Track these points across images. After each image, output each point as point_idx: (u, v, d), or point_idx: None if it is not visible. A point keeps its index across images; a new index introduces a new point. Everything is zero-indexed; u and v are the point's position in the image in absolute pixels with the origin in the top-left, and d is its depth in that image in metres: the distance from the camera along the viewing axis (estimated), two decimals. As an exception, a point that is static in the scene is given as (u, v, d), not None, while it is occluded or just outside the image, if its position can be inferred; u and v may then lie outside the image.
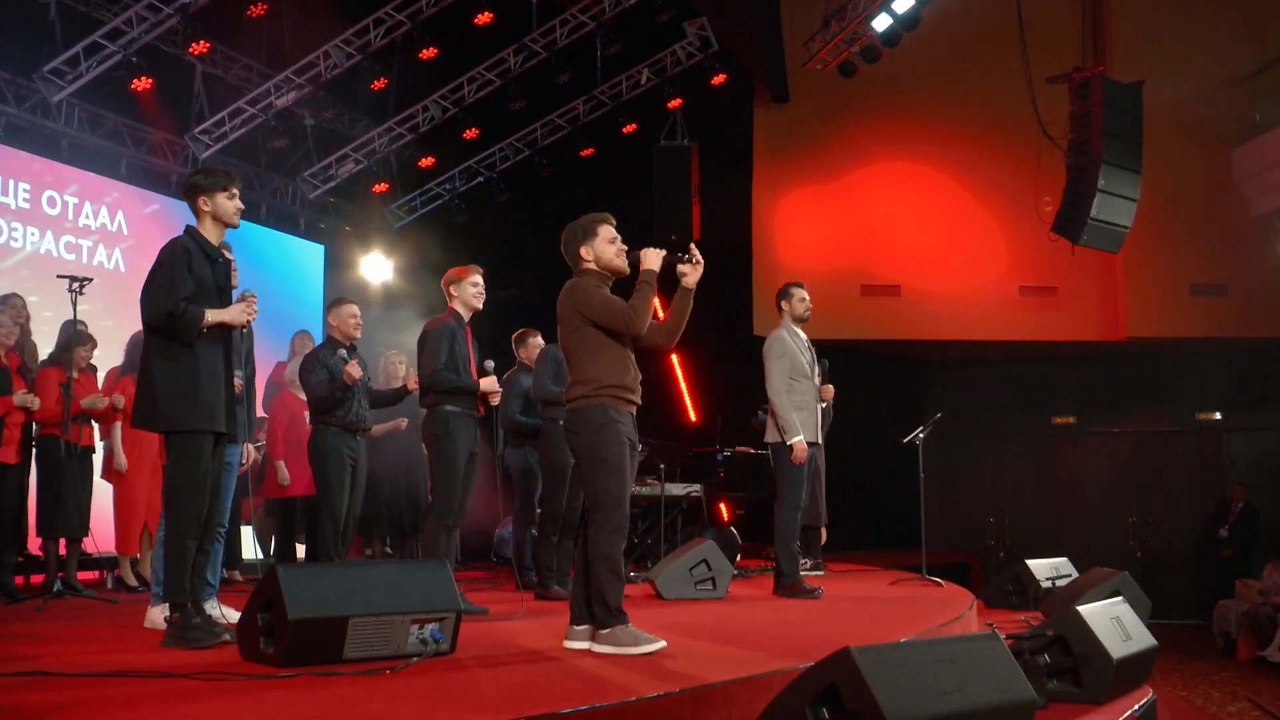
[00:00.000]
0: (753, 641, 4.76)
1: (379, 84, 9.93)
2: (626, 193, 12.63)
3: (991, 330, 13.65)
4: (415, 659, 4.13)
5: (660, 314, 4.82)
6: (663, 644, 4.38)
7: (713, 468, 10.44)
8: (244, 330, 4.97)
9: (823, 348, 13.05)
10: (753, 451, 10.24)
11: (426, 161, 11.63)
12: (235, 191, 4.90)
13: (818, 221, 13.78)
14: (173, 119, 10.27)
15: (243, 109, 10.14)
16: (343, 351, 6.60)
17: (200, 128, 10.16)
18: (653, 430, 12.48)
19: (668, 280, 4.77)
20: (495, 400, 6.26)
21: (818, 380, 7.34)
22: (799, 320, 7.32)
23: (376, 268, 12.61)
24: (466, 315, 6.25)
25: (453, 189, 12.85)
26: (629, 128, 12.40)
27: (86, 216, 9.86)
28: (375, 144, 11.55)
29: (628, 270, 4.61)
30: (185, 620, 4.63)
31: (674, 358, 13.54)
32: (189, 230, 4.86)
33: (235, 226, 4.91)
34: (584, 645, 4.53)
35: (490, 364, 6.25)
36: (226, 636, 4.52)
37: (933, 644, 3.25)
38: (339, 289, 11.84)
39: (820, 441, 7.39)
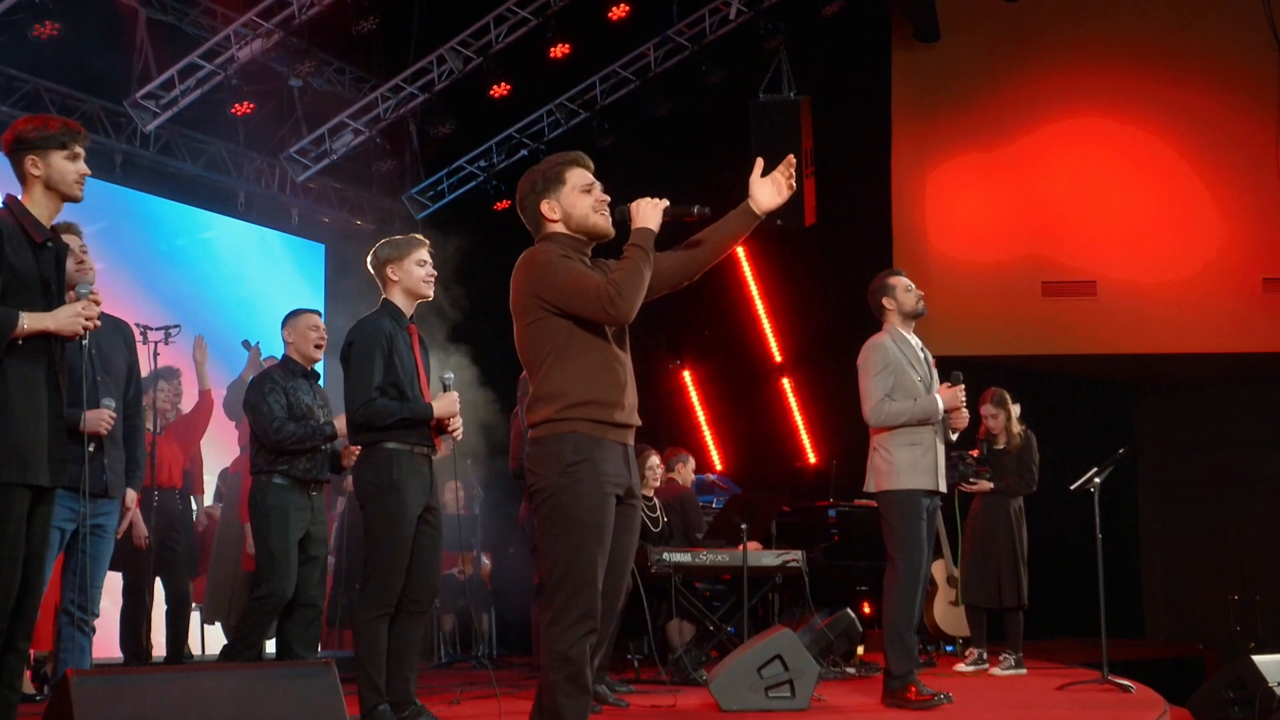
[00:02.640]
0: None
1: (365, 25, 9.62)
2: (715, 163, 12.35)
3: (1223, 339, 13.02)
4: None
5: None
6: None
7: (823, 528, 10.01)
8: (82, 342, 4.45)
9: (992, 365, 12.39)
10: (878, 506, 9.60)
11: (443, 128, 11.22)
12: (79, 151, 4.49)
13: (982, 198, 13.36)
14: (114, 82, 10.03)
15: (196, 65, 9.85)
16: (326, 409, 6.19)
17: (144, 91, 9.88)
18: (755, 477, 12.13)
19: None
20: (457, 430, 5.70)
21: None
22: (910, 318, 6.88)
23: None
24: (409, 308, 5.72)
25: (489, 167, 12.58)
26: (716, 78, 12.03)
27: None
28: (379, 109, 11.23)
29: (611, 231, 4.25)
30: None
31: (786, 381, 13.02)
32: (8, 202, 4.43)
33: (76, 199, 4.49)
34: (533, 775, 4.11)
35: (450, 377, 5.73)
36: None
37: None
38: (346, 301, 11.46)
39: (943, 488, 6.76)
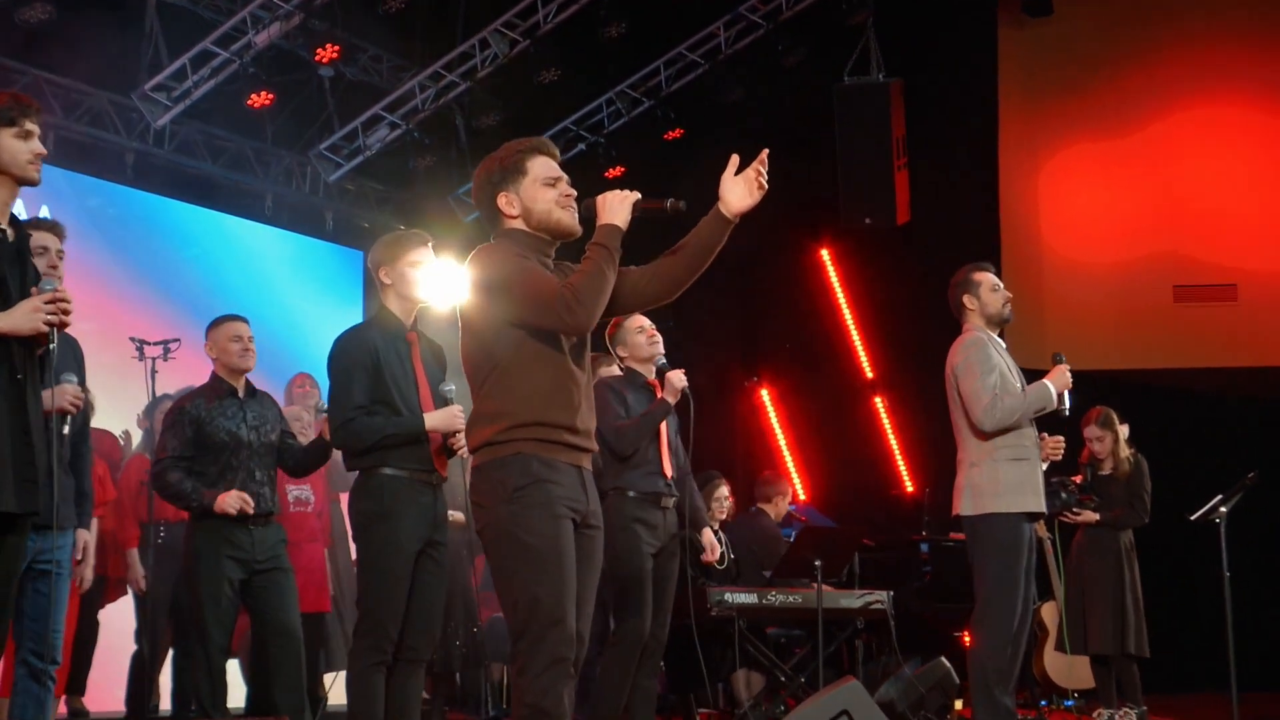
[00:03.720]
0: None
1: (393, 4, 9.55)
2: (795, 156, 12.16)
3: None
4: None
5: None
6: None
7: (914, 565, 9.82)
8: (50, 347, 4.22)
9: (1115, 380, 11.99)
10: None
11: (488, 120, 11.16)
12: (32, 128, 4.28)
13: (1103, 192, 13.14)
14: (121, 73, 9.93)
15: (211, 52, 9.69)
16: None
17: (153, 82, 9.75)
18: (844, 507, 11.89)
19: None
20: (462, 447, 5.50)
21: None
22: (994, 323, 6.54)
23: (444, 282, 12.07)
24: (408, 315, 5.65)
25: (545, 163, 12.33)
26: (795, 59, 11.89)
27: (-6, 215, 9.57)
28: (417, 99, 11.07)
29: (578, 228, 4.21)
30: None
31: (878, 400, 12.92)
32: None
33: (32, 182, 4.31)
34: None
35: (450, 389, 5.59)
36: None
37: None
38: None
39: (1045, 510, 6.48)
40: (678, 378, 6.61)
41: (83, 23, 9.35)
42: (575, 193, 4.16)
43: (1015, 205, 13.04)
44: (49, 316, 4.10)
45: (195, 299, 10.48)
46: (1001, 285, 6.53)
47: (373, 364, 5.42)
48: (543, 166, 4.14)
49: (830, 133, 11.81)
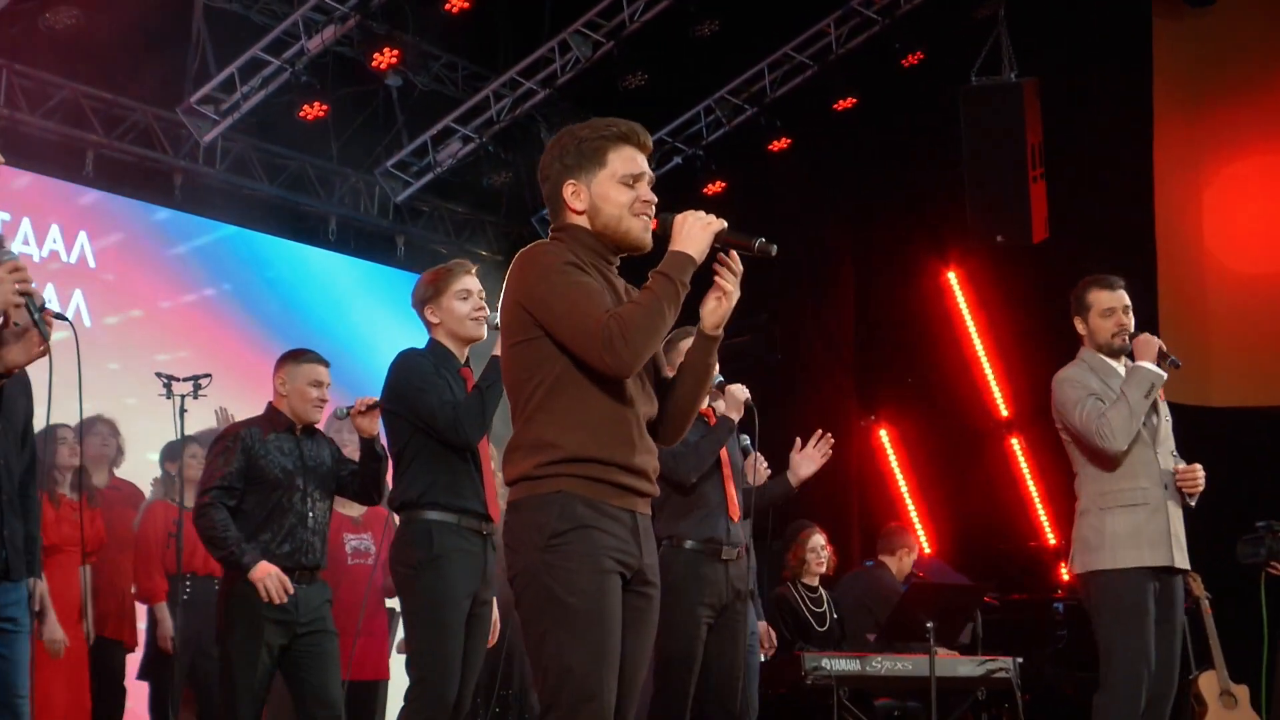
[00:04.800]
0: None
1: (456, 2, 9.55)
2: (917, 167, 12.21)
3: None
4: None
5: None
6: None
7: (1048, 626, 9.62)
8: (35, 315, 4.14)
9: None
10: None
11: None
12: None
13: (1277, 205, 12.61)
14: (167, 86, 10.02)
15: (261, 60, 9.72)
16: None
17: (199, 94, 9.78)
18: (976, 561, 11.59)
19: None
20: None
21: (1174, 460, 6.14)
22: (1109, 353, 6.18)
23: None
24: (461, 352, 5.64)
25: (634, 179, 12.27)
26: (912, 58, 11.78)
27: (27, 241, 9.69)
28: (492, 109, 11.07)
29: (647, 243, 3.92)
30: None
31: (1014, 440, 12.51)
32: None
33: None
34: None
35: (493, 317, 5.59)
36: None
37: None
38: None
39: (1181, 564, 6.08)
40: (740, 390, 6.37)
41: (123, 31, 9.42)
42: (655, 199, 3.90)
43: (1175, 220, 12.56)
44: (18, 285, 3.93)
45: (247, 332, 10.54)
46: (1122, 306, 6.15)
47: (435, 374, 5.43)
48: (625, 160, 3.87)
49: (956, 140, 11.57)
